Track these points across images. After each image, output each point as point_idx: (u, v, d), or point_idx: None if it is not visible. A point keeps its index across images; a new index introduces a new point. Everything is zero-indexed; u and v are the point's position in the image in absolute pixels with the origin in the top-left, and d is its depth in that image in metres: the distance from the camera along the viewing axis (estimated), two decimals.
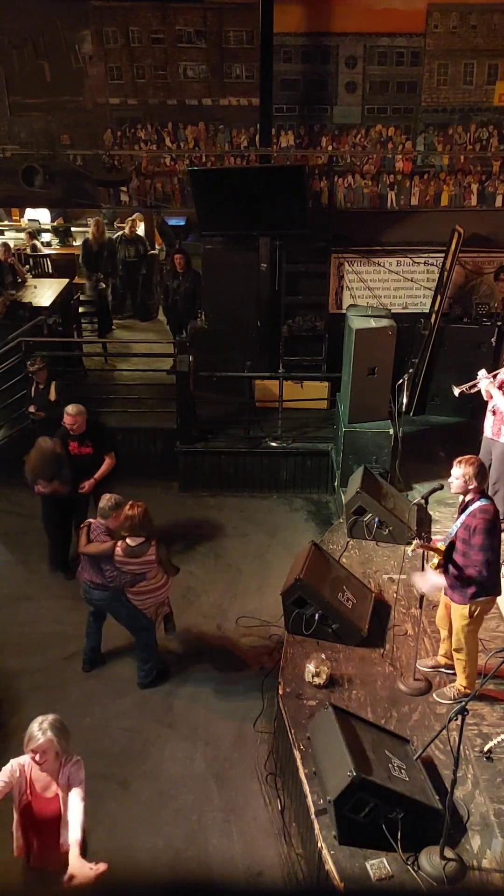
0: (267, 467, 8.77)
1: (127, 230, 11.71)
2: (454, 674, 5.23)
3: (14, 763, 3.70)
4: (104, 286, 11.32)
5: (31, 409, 7.79)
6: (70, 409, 6.77)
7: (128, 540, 5.46)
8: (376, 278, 9.52)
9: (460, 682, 5.12)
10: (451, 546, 4.87)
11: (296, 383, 9.19)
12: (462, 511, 4.89)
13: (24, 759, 3.68)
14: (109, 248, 11.46)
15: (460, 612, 4.88)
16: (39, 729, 3.58)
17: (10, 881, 4.08)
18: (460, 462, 4.86)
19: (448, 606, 5.10)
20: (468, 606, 4.82)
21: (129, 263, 11.71)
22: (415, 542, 4.94)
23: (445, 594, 5.06)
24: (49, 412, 7.65)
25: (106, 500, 5.68)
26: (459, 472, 4.82)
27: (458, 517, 4.92)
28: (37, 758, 3.57)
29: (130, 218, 12.00)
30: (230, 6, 9.05)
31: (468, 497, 4.86)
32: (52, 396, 7.79)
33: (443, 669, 5.40)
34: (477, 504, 4.78)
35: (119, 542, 5.48)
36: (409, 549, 4.95)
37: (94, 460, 6.95)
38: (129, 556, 5.46)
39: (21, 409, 8.23)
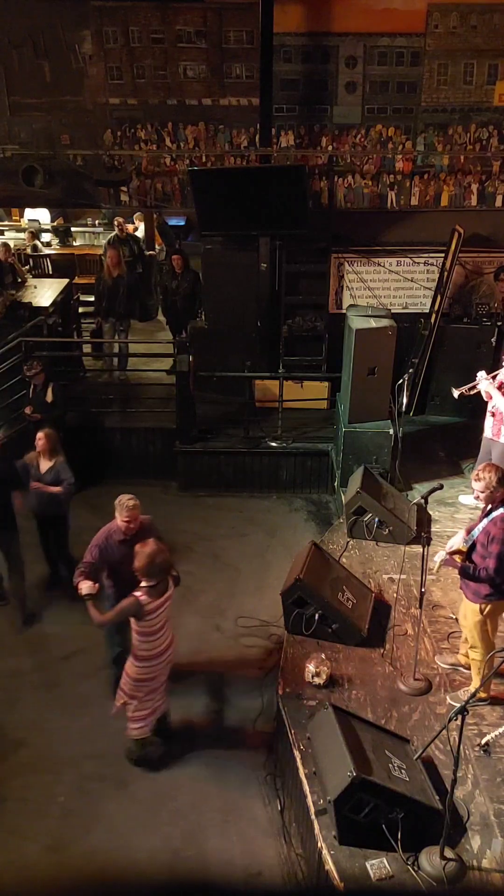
0: (267, 467, 8.75)
1: (118, 230, 11.67)
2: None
3: None
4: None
5: (28, 410, 7.79)
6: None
7: (143, 583, 4.83)
8: (376, 278, 9.51)
9: (475, 683, 5.08)
10: (473, 546, 4.90)
11: (296, 383, 9.18)
12: (485, 516, 4.91)
13: None
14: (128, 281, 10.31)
15: (472, 609, 4.94)
16: None
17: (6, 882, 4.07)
18: (483, 471, 4.85)
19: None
20: (479, 605, 4.88)
21: (125, 263, 11.65)
22: (438, 557, 4.94)
23: (461, 589, 5.08)
24: (45, 414, 7.63)
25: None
26: (483, 484, 4.80)
27: (480, 520, 4.94)
28: None
29: (118, 218, 11.92)
30: (230, 6, 9.05)
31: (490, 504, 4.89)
32: (49, 398, 7.78)
33: (462, 668, 5.37)
34: (499, 512, 4.79)
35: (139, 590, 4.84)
36: (433, 566, 5.03)
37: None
38: (152, 597, 4.83)
39: (21, 409, 8.21)
